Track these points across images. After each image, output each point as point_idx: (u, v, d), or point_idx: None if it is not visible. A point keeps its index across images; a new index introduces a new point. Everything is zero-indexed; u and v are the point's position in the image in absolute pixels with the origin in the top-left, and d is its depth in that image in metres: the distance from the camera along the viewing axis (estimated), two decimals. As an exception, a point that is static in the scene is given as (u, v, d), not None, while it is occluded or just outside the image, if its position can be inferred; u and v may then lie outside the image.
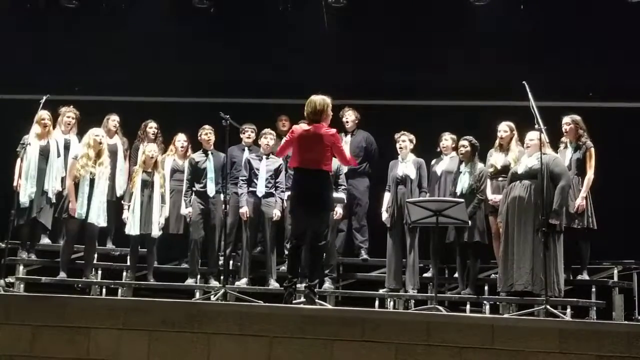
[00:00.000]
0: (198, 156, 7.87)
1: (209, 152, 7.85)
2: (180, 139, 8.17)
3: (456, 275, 7.38)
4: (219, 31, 9.35)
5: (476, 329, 4.89)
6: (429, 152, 7.90)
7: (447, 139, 7.77)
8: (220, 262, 7.62)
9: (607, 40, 8.63)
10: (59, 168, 7.89)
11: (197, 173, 7.76)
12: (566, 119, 7.20)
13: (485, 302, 7.10)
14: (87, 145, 7.45)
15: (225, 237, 7.07)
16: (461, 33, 8.84)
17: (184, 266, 7.94)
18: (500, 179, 7.21)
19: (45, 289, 7.39)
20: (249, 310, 5.22)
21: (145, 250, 7.73)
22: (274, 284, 7.42)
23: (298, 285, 6.26)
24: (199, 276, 7.68)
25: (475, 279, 7.16)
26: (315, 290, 6.31)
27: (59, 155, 7.91)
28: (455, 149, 7.62)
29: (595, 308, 6.76)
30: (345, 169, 7.50)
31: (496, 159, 7.30)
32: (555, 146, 7.13)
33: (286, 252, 7.29)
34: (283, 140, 6.83)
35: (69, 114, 8.17)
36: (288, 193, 7.29)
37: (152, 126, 8.37)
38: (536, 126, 6.37)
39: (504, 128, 7.30)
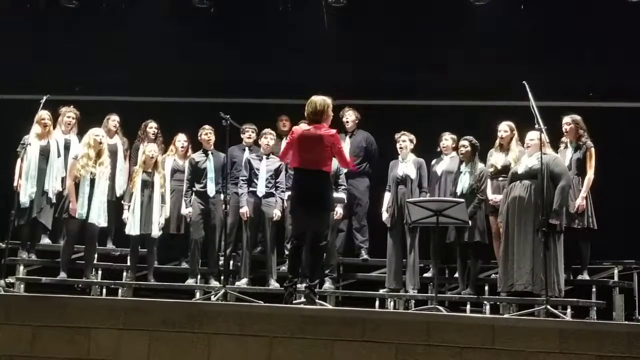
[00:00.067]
0: (198, 156, 7.87)
1: (209, 152, 7.85)
2: (181, 139, 8.17)
3: (456, 275, 7.38)
4: (219, 31, 9.34)
5: (476, 329, 4.88)
6: (429, 152, 7.90)
7: (447, 139, 7.77)
8: (221, 262, 7.63)
9: (607, 40, 8.62)
10: (59, 168, 7.88)
11: (197, 173, 7.76)
12: (566, 119, 7.20)
13: (485, 302, 7.10)
14: (87, 145, 7.45)
15: (225, 237, 7.08)
16: (461, 33, 8.83)
17: (184, 266, 7.95)
18: (500, 179, 7.20)
19: (45, 289, 7.38)
20: (249, 311, 5.22)
21: (146, 250, 7.74)
22: (274, 284, 7.42)
23: (298, 286, 6.26)
24: (199, 276, 7.68)
25: (475, 279, 7.16)
26: (316, 290, 6.32)
27: (59, 155, 7.90)
28: (456, 149, 7.62)
29: (595, 308, 6.75)
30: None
31: (496, 159, 7.30)
32: (555, 146, 7.12)
33: (286, 252, 7.31)
34: (284, 143, 6.83)
35: (69, 114, 8.17)
36: (288, 193, 7.29)
37: (152, 126, 8.37)
38: (536, 126, 6.37)
39: (504, 128, 7.29)
